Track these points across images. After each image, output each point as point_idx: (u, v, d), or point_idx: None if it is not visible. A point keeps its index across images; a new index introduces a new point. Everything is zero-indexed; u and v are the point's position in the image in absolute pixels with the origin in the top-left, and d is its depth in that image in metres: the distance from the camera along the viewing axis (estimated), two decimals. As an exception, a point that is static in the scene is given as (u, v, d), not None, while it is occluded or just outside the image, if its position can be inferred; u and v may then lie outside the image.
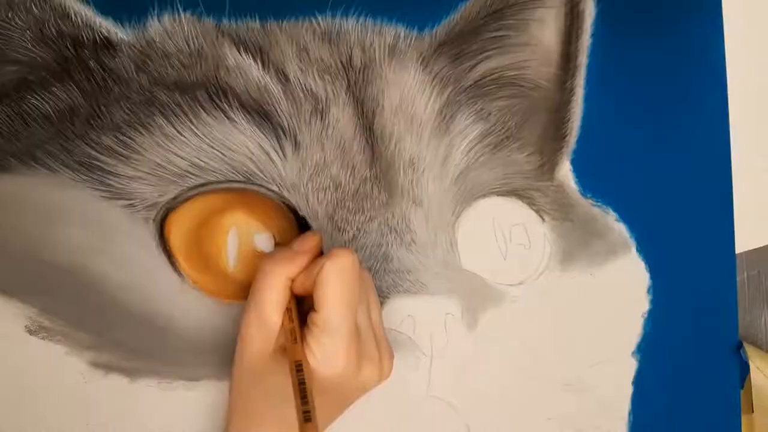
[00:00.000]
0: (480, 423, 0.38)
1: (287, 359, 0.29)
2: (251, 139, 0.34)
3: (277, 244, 0.35)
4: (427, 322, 0.36)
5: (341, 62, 0.36)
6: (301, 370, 0.28)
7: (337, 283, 0.29)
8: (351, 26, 0.36)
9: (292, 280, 0.30)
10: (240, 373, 0.30)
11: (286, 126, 0.35)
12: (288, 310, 0.30)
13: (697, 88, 0.42)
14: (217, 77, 0.34)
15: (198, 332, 0.34)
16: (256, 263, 0.34)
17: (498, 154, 0.39)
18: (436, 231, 0.37)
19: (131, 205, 0.33)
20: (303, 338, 0.30)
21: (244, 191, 0.34)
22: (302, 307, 0.31)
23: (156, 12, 0.34)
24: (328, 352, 0.29)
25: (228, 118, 0.34)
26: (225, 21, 0.35)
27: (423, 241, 0.37)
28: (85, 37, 0.33)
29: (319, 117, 0.35)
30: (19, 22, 0.32)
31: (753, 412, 0.43)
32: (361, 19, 0.36)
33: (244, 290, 0.34)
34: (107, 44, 0.33)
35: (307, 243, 0.31)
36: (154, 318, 0.33)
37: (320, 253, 0.32)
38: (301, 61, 0.35)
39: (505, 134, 0.39)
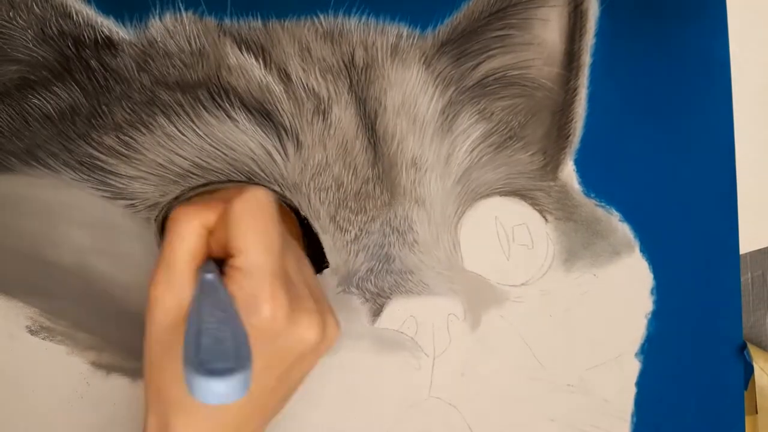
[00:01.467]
0: (482, 424, 0.38)
1: None
2: (253, 138, 0.34)
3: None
4: (429, 322, 0.36)
5: (343, 62, 0.36)
6: None
7: (251, 218, 0.24)
8: (353, 25, 0.36)
9: (210, 232, 0.26)
10: (150, 347, 0.25)
11: (288, 126, 0.35)
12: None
13: (701, 87, 0.42)
14: (218, 77, 0.34)
15: (199, 333, 0.34)
16: None
17: (501, 153, 0.39)
18: (438, 231, 0.37)
19: (132, 205, 0.33)
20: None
21: (246, 191, 0.34)
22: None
23: (157, 11, 0.34)
24: (251, 296, 0.24)
25: (230, 117, 0.34)
26: (227, 20, 0.35)
27: (425, 241, 0.37)
28: (86, 37, 0.33)
29: (321, 117, 0.35)
30: (21, 22, 0.32)
31: (757, 413, 0.43)
32: (364, 19, 0.36)
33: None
34: (109, 43, 0.33)
35: (216, 196, 0.26)
36: (155, 318, 0.33)
37: None
38: (303, 61, 0.35)
39: (508, 134, 0.39)
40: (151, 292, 0.25)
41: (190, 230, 0.25)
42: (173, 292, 0.25)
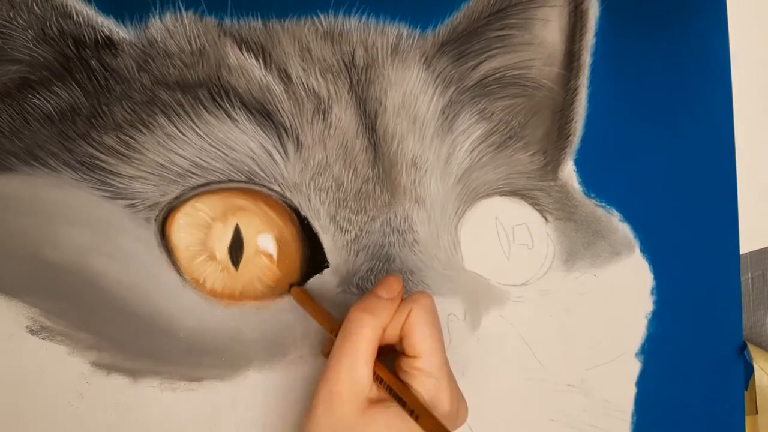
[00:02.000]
0: (483, 424, 0.38)
1: (384, 414, 0.28)
2: (253, 138, 0.34)
3: (278, 245, 0.35)
4: (429, 322, 0.36)
5: (344, 61, 0.36)
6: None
7: (429, 325, 0.29)
8: (353, 25, 0.36)
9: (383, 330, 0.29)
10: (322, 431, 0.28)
11: (288, 125, 0.35)
12: (378, 363, 0.29)
13: (701, 87, 0.42)
14: (219, 76, 0.34)
15: (199, 333, 0.34)
16: (258, 264, 0.34)
17: (501, 153, 0.39)
18: (438, 231, 0.37)
19: (133, 205, 0.33)
20: (403, 385, 0.29)
21: (246, 191, 0.34)
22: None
23: (158, 11, 0.34)
24: (435, 395, 0.29)
25: (230, 117, 0.34)
26: (227, 20, 0.35)
27: (426, 241, 0.37)
28: (86, 37, 0.33)
29: (321, 116, 0.35)
30: (21, 22, 0.32)
31: (757, 413, 0.43)
32: (364, 19, 0.36)
33: (246, 291, 0.34)
34: (109, 43, 0.33)
35: (394, 287, 0.30)
36: (155, 318, 0.33)
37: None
38: (303, 61, 0.35)
39: (509, 134, 0.39)
40: (334, 385, 0.28)
41: (372, 333, 0.29)
42: (356, 387, 0.28)
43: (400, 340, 0.30)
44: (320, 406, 0.28)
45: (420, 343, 0.29)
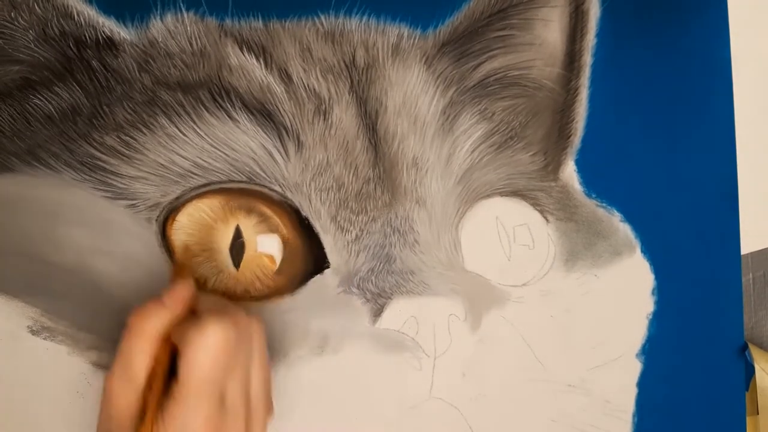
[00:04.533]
0: (483, 424, 0.38)
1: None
2: (254, 139, 0.34)
3: (279, 246, 0.35)
4: (430, 323, 0.36)
5: (344, 62, 0.36)
6: None
7: (199, 359, 0.27)
8: (354, 26, 0.36)
9: (165, 333, 0.29)
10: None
11: (289, 126, 0.35)
12: (152, 370, 0.28)
13: (702, 88, 0.42)
14: (219, 77, 0.34)
15: (200, 333, 0.34)
16: (258, 264, 0.34)
17: (502, 154, 0.39)
18: (439, 231, 0.37)
19: (134, 206, 0.33)
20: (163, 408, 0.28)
21: (247, 191, 0.34)
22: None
23: (159, 12, 0.34)
24: (182, 426, 0.27)
25: (231, 118, 0.34)
26: (228, 20, 0.35)
27: (426, 241, 0.37)
28: (87, 37, 0.33)
29: (322, 117, 0.35)
30: (22, 22, 0.32)
31: (758, 413, 0.43)
32: (365, 19, 0.36)
33: (246, 291, 0.34)
34: (110, 44, 0.33)
35: (176, 295, 0.30)
36: (156, 318, 0.33)
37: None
38: (304, 61, 0.35)
39: (509, 134, 0.39)
40: (108, 386, 0.28)
41: (141, 337, 0.28)
42: (129, 389, 0.28)
43: None
44: (101, 411, 0.29)
45: (181, 368, 0.27)
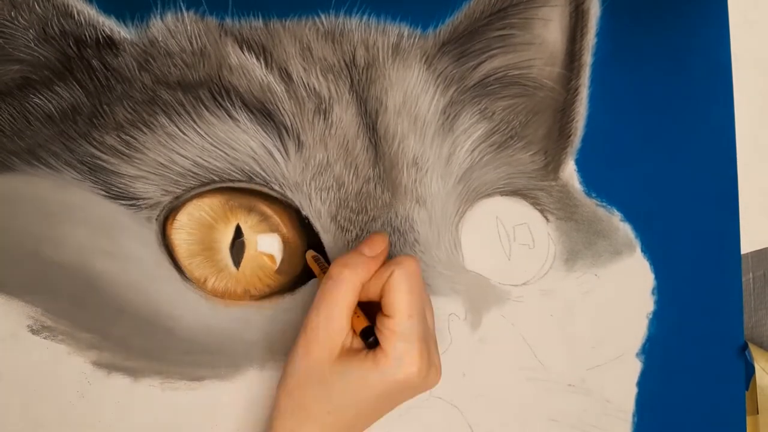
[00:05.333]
0: (483, 424, 0.38)
1: (356, 362, 0.29)
2: (254, 138, 0.34)
3: (279, 245, 0.35)
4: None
5: (344, 61, 0.36)
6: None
7: (408, 289, 0.29)
8: (354, 25, 0.36)
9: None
10: (300, 373, 0.30)
11: (289, 125, 0.35)
12: (356, 315, 0.31)
13: (702, 87, 0.42)
14: (220, 76, 0.34)
15: (200, 332, 0.34)
16: (258, 264, 0.34)
17: (502, 153, 0.39)
18: (439, 231, 0.37)
19: (134, 205, 0.33)
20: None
21: (247, 191, 0.34)
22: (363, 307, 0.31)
23: (159, 11, 0.34)
24: (402, 356, 0.29)
25: (231, 117, 0.34)
26: (228, 20, 0.35)
27: (426, 241, 0.37)
28: (87, 36, 0.33)
29: (322, 116, 0.35)
30: (23, 21, 0.32)
31: (758, 413, 0.43)
32: (365, 18, 0.36)
33: (246, 291, 0.34)
34: (110, 43, 0.33)
35: (378, 245, 0.31)
36: (156, 318, 0.33)
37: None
38: (304, 60, 0.35)
39: (510, 134, 0.39)
40: (311, 332, 0.30)
41: (350, 289, 0.30)
42: (331, 337, 0.30)
43: (381, 298, 0.31)
44: (299, 349, 0.30)
45: (394, 304, 0.29)
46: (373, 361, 0.29)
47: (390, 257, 0.36)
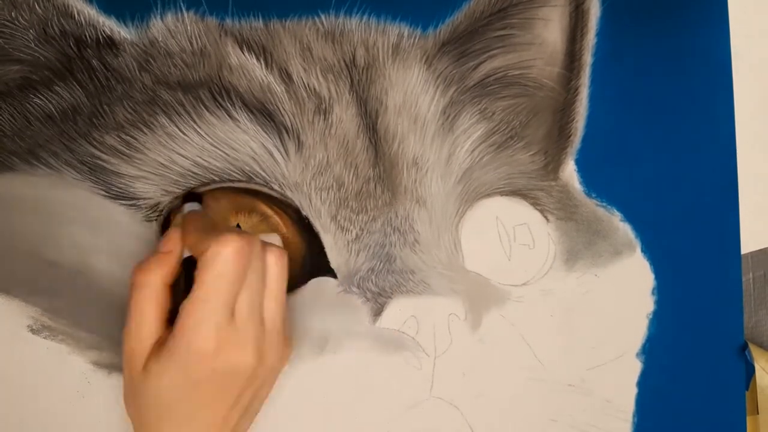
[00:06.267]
0: (483, 424, 0.38)
1: (151, 362, 0.28)
2: (254, 138, 0.34)
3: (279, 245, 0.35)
4: (430, 322, 0.36)
5: (344, 61, 0.36)
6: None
7: (216, 261, 0.28)
8: (354, 25, 0.36)
9: (185, 244, 0.30)
10: (126, 389, 0.30)
11: (289, 125, 0.35)
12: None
13: (702, 87, 0.41)
14: (220, 76, 0.34)
15: (201, 332, 0.34)
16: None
17: (502, 153, 0.39)
18: (439, 231, 0.37)
19: (134, 205, 0.33)
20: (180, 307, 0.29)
21: (247, 191, 0.34)
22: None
23: (159, 11, 0.34)
24: (194, 327, 0.28)
25: (231, 117, 0.34)
26: (228, 20, 0.35)
27: (426, 241, 0.37)
28: (88, 36, 0.33)
29: (322, 116, 0.35)
30: (23, 21, 0.32)
31: (758, 413, 0.43)
32: (365, 18, 0.36)
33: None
34: (110, 43, 0.33)
35: (171, 240, 0.30)
36: (156, 318, 0.33)
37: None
38: (304, 61, 0.35)
39: (510, 134, 0.39)
40: (127, 344, 0.29)
41: (152, 292, 0.29)
42: (144, 345, 0.29)
43: None
44: (124, 365, 0.29)
45: (199, 276, 0.28)
46: (166, 349, 0.28)
47: (390, 256, 0.36)
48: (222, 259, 0.28)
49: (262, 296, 0.30)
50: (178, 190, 0.33)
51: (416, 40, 0.37)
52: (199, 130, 0.34)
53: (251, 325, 0.29)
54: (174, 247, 0.30)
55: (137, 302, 0.29)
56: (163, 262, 0.29)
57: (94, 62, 0.33)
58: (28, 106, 0.33)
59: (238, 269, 0.28)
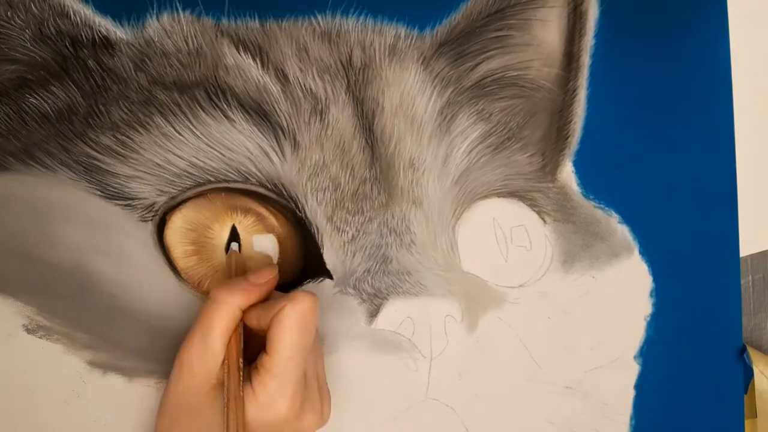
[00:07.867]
0: (479, 426, 0.38)
1: (220, 400, 0.28)
2: (250, 139, 0.34)
3: (275, 246, 0.35)
4: (426, 324, 0.36)
5: (341, 62, 0.36)
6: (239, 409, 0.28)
7: (294, 328, 0.28)
8: (351, 26, 0.36)
9: (243, 312, 0.30)
10: (174, 402, 0.29)
11: (285, 126, 0.34)
12: (233, 343, 0.29)
13: (701, 88, 0.41)
14: (216, 77, 0.34)
15: (195, 333, 0.34)
16: (255, 264, 0.34)
17: (499, 155, 0.38)
18: (436, 232, 0.37)
19: (129, 205, 0.33)
20: (246, 377, 0.29)
21: (243, 191, 0.34)
22: (248, 343, 0.30)
23: (155, 11, 0.34)
24: (272, 397, 0.28)
25: (227, 117, 0.34)
26: (224, 20, 0.35)
27: (423, 242, 0.36)
28: (84, 36, 0.33)
29: (318, 117, 0.35)
30: (19, 21, 0.32)
31: (756, 416, 0.43)
32: (361, 19, 0.36)
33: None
34: (106, 43, 0.33)
35: (263, 276, 0.30)
36: (151, 317, 0.33)
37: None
38: (300, 61, 0.35)
39: (507, 135, 0.39)
40: (184, 356, 0.29)
41: (227, 312, 0.29)
42: (205, 362, 0.29)
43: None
44: (173, 374, 0.29)
45: (275, 340, 0.28)
46: (251, 392, 0.28)
47: (386, 257, 0.36)
48: (305, 315, 0.28)
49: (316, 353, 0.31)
50: (173, 191, 0.33)
51: (413, 41, 0.37)
52: (194, 130, 0.34)
53: (315, 388, 0.31)
54: (264, 282, 0.30)
55: (209, 315, 0.29)
56: (250, 292, 0.30)
57: (90, 62, 0.33)
58: (23, 105, 0.33)
59: (313, 328, 0.29)
